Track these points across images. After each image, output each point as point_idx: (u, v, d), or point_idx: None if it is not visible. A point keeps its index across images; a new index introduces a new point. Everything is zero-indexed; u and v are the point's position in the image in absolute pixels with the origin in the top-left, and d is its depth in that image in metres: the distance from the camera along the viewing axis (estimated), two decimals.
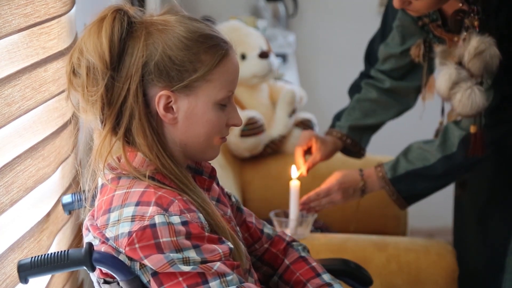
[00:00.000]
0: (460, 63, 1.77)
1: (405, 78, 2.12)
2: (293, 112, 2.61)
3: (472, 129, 1.81)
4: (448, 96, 1.79)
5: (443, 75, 1.78)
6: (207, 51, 1.25)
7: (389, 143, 3.08)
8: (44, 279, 1.51)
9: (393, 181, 1.96)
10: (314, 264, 1.47)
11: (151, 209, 1.19)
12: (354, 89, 2.19)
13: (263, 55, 2.56)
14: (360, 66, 2.22)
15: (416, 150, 1.95)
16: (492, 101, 1.80)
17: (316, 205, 2.01)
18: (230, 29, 2.60)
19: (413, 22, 1.99)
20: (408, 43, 2.04)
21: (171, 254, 1.17)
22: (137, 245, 1.18)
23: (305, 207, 2.01)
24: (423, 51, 1.95)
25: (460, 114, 1.81)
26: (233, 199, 1.49)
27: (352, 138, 2.15)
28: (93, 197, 1.30)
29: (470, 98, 1.74)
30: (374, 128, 2.19)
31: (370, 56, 2.15)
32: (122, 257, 1.21)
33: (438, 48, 1.88)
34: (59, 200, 1.60)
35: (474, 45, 1.72)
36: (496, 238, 2.03)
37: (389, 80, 2.11)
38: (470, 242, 2.14)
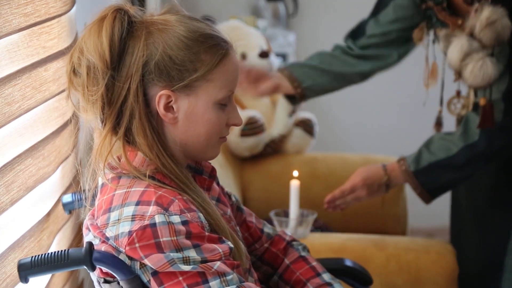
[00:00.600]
0: (471, 35, 1.77)
1: (377, 59, 2.15)
2: (293, 111, 2.61)
3: (482, 102, 1.80)
4: (460, 67, 1.79)
5: (454, 46, 1.78)
6: (208, 50, 1.25)
7: (389, 143, 3.08)
8: (44, 278, 1.51)
9: (416, 174, 1.94)
10: (314, 263, 1.47)
11: (151, 209, 1.19)
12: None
13: (263, 54, 2.56)
14: None
15: (438, 141, 1.94)
16: (508, 84, 1.79)
17: (341, 203, 2.00)
18: (230, 28, 2.60)
19: (412, 4, 1.99)
20: (400, 23, 2.05)
21: (171, 254, 1.17)
22: (137, 245, 1.18)
23: (331, 205, 2.00)
24: (426, 34, 1.95)
25: (471, 85, 1.81)
26: (233, 199, 1.49)
27: (290, 71, 2.20)
28: (93, 196, 1.30)
29: (482, 69, 1.74)
30: (319, 70, 2.20)
31: (354, 33, 2.19)
32: (122, 257, 1.21)
33: (441, 32, 1.88)
34: (59, 200, 1.60)
35: (486, 15, 1.73)
36: (495, 238, 2.03)
37: (358, 50, 2.15)
38: (469, 242, 2.13)
